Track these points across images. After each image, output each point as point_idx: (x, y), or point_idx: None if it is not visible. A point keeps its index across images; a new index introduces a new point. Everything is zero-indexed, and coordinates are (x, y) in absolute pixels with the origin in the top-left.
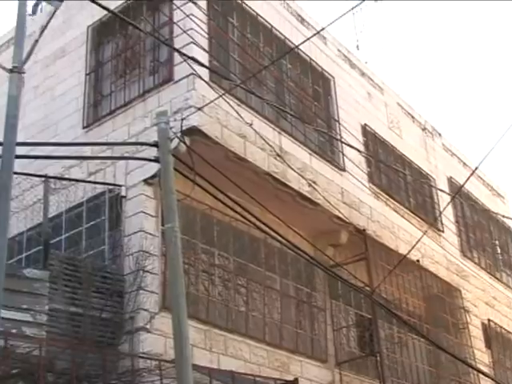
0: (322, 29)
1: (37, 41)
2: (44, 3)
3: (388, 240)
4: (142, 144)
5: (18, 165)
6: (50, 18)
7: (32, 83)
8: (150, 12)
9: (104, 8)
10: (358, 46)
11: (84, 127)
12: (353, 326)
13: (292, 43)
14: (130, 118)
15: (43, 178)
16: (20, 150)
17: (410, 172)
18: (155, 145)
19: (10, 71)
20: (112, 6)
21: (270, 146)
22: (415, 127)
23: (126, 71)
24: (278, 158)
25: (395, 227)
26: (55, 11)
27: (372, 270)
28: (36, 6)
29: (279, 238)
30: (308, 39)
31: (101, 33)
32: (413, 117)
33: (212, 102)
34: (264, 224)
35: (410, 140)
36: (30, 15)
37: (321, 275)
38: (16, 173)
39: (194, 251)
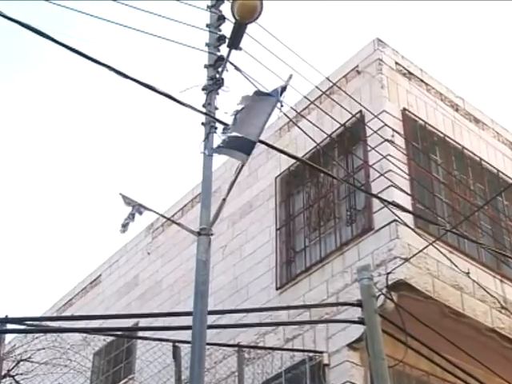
0: None
1: (224, 199)
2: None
3: None
4: (343, 304)
5: (208, 334)
6: (238, 174)
7: (219, 243)
8: (342, 156)
9: (292, 157)
10: None
11: (277, 288)
12: None
13: (507, 176)
14: (328, 274)
15: (236, 348)
16: (210, 318)
17: None
18: (358, 304)
19: (198, 234)
20: (300, 153)
21: (492, 296)
22: None
23: (320, 223)
24: (502, 311)
25: None
26: (243, 166)
27: None
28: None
29: None
30: None
31: (290, 183)
32: None
33: (420, 251)
34: None
35: None
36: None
37: None
38: (208, 344)
39: None
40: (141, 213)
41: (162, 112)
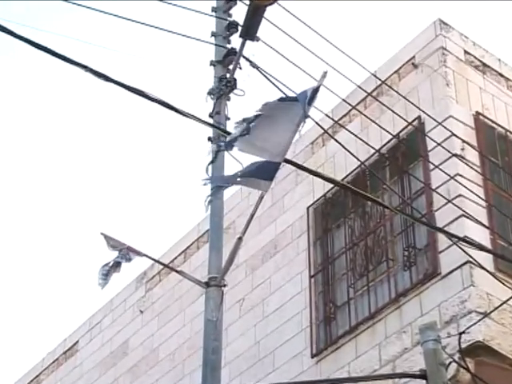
0: None
1: (240, 238)
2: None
3: None
4: (401, 376)
5: None
6: (258, 205)
7: (234, 296)
8: (395, 178)
9: (329, 180)
10: None
11: (313, 355)
12: None
13: None
14: (380, 336)
15: None
16: None
17: None
18: (422, 375)
19: (207, 285)
20: (339, 175)
21: None
22: None
23: (367, 267)
24: None
25: None
26: (262, 197)
27: None
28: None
29: None
30: None
31: (327, 215)
32: None
33: (504, 303)
34: None
35: None
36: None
37: None
38: None
39: None
40: (129, 259)
41: (156, 124)
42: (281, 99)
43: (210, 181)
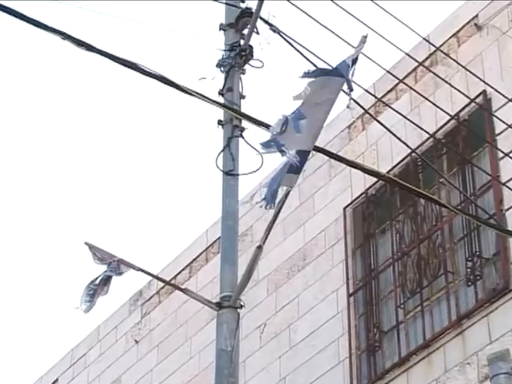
0: None
1: (260, 247)
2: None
3: None
4: None
5: None
6: (281, 206)
7: (254, 320)
8: (454, 169)
9: (371, 173)
10: None
11: None
12: None
13: None
14: (438, 368)
15: None
16: None
17: None
18: None
19: (219, 307)
20: (385, 166)
21: None
22: None
23: (421, 282)
24: None
25: None
26: (288, 192)
27: None
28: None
29: None
30: None
31: (368, 217)
32: None
33: None
34: None
35: None
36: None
37: None
38: None
39: None
40: (120, 272)
41: (155, 104)
42: (316, 72)
43: (265, 201)
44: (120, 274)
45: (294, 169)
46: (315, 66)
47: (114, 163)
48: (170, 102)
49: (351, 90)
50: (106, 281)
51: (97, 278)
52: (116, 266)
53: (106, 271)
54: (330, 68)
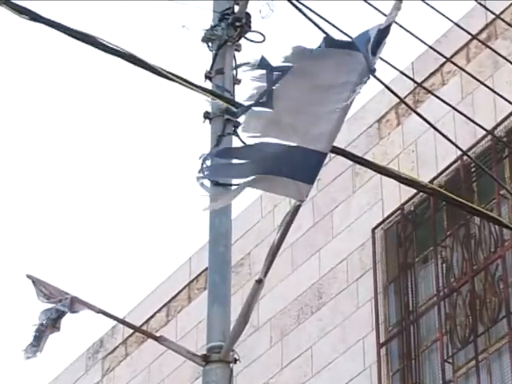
0: None
1: (260, 281)
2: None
3: None
4: None
5: None
6: (288, 226)
7: (252, 377)
8: None
9: (409, 183)
10: None
11: None
12: None
13: None
14: None
15: None
16: None
17: None
18: None
19: (205, 360)
20: (426, 173)
21: None
22: None
23: (475, 328)
24: None
25: None
26: (298, 207)
27: None
28: None
29: None
30: None
31: (404, 240)
32: None
33: None
34: None
35: None
36: None
37: None
38: None
39: None
40: (75, 311)
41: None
42: (326, 42)
43: (206, 174)
44: (74, 312)
45: (304, 176)
46: (328, 35)
47: (69, 171)
48: (149, 87)
49: (372, 70)
50: (55, 320)
51: (44, 318)
52: (68, 302)
53: (53, 308)
54: (347, 40)
